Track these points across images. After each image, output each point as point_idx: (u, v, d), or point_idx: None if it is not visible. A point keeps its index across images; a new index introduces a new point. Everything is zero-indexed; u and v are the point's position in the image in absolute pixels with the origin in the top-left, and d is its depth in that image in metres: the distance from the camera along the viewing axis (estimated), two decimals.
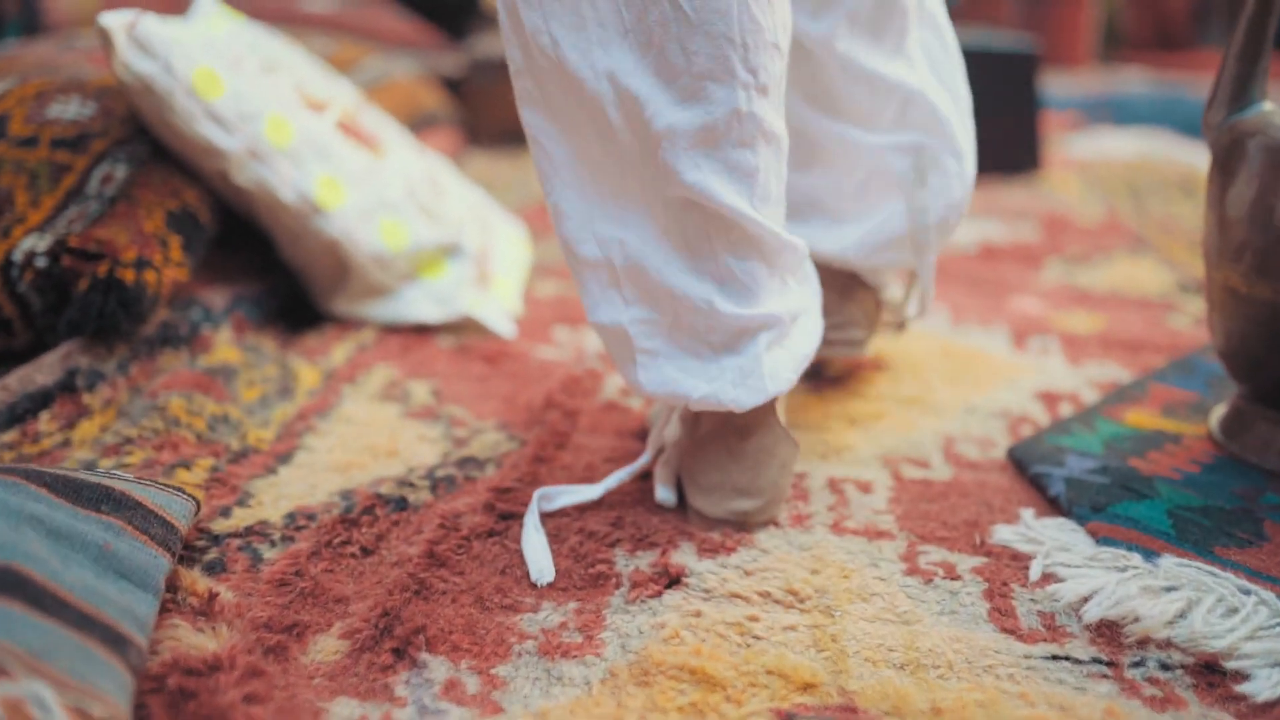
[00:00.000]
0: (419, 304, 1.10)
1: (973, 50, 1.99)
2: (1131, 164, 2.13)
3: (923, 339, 1.11)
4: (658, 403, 0.80)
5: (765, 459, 0.71)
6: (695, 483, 0.73)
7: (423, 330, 1.10)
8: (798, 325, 0.73)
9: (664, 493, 0.75)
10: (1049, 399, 0.96)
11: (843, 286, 0.91)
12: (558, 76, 0.64)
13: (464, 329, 1.10)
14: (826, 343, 0.89)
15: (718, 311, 0.67)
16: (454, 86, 2.21)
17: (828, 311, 0.88)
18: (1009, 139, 1.98)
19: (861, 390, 0.97)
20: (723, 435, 0.71)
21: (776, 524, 0.73)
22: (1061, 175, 2.01)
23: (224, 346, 0.99)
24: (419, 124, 1.92)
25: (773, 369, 0.68)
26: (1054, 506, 0.76)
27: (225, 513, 0.73)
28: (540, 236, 1.52)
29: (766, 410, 0.71)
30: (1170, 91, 3.12)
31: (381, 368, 1.00)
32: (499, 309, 1.14)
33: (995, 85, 1.94)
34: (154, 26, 0.99)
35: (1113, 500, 0.75)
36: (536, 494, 0.72)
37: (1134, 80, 3.47)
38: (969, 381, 1.00)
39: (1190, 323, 1.18)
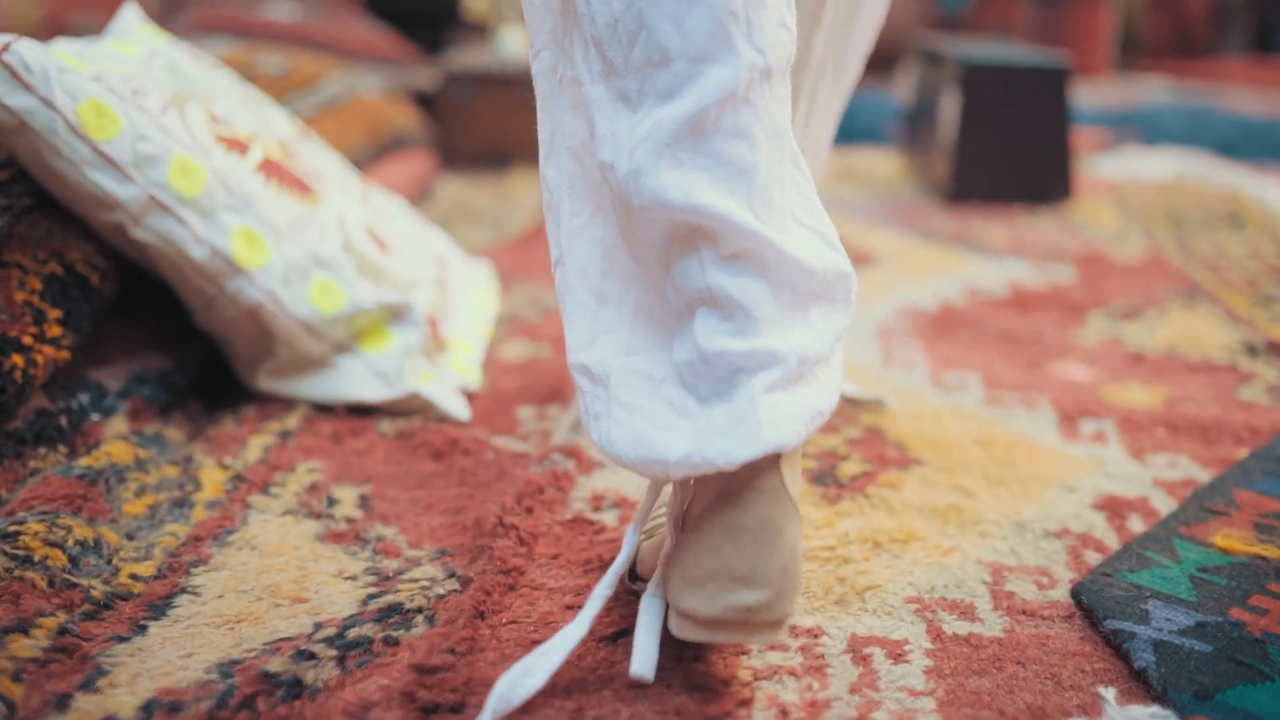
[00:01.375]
0: (358, 380, 0.93)
1: (996, 65, 1.82)
2: (1167, 188, 1.95)
3: (955, 419, 0.94)
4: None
5: (770, 537, 0.54)
6: (683, 577, 0.55)
7: (361, 411, 0.93)
8: (812, 373, 0.57)
9: (641, 664, 0.57)
10: (1113, 508, 0.79)
11: None
12: None
13: (410, 408, 0.93)
14: None
15: (703, 350, 0.54)
16: (427, 102, 2.04)
17: None
18: (1037, 165, 1.81)
19: (885, 497, 0.80)
20: (717, 511, 0.54)
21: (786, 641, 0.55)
22: (1093, 204, 1.83)
23: (114, 441, 0.82)
24: (387, 146, 1.75)
25: (772, 416, 0.53)
26: (1141, 681, 0.59)
27: (62, 704, 0.55)
28: (514, 279, 1.35)
29: (768, 472, 0.54)
30: (1195, 101, 2.94)
31: (304, 467, 0.82)
32: (453, 383, 0.96)
33: (1022, 105, 1.77)
34: (31, 51, 0.82)
35: (1220, 683, 0.58)
36: (492, 699, 0.54)
37: (1156, 90, 3.30)
38: (1015, 483, 0.83)
39: (1265, 393, 1.01)
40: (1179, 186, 1.97)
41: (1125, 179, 2.04)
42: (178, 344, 0.96)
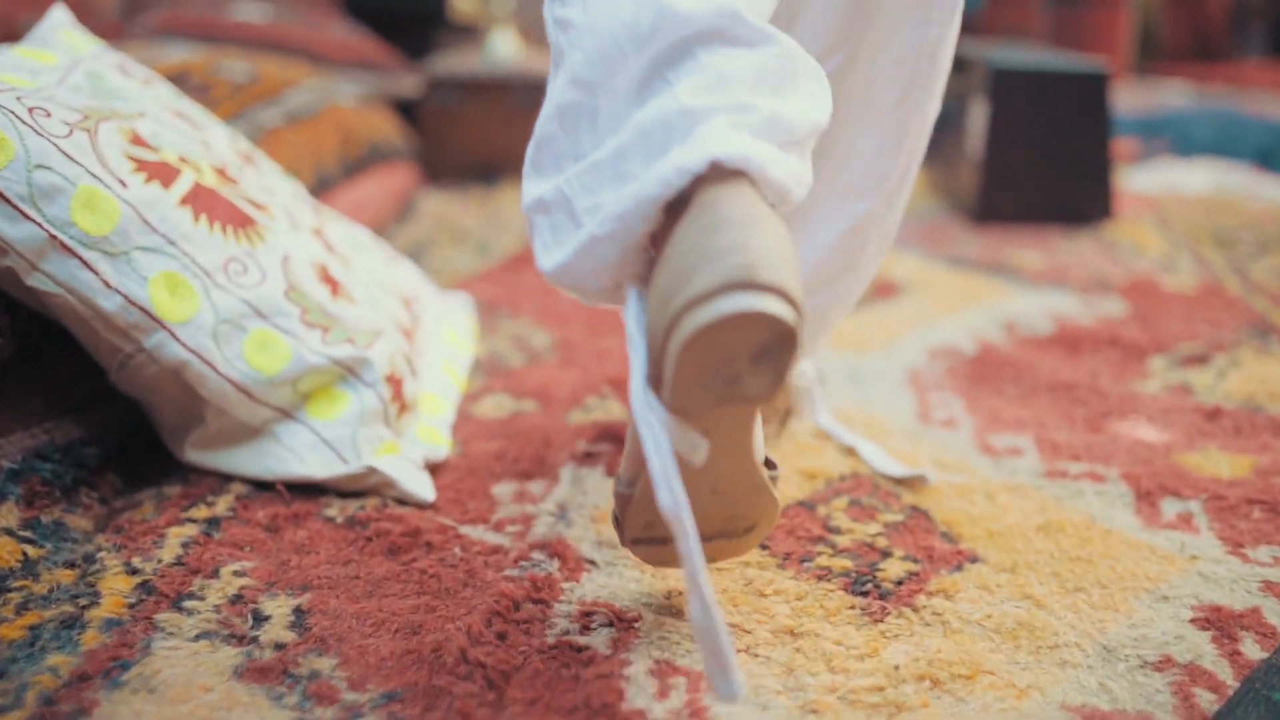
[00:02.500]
0: (303, 453, 0.78)
1: (1028, 70, 1.66)
2: (1208, 203, 1.81)
3: (1012, 498, 0.79)
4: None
5: (756, 225, 0.49)
6: (658, 289, 0.50)
7: (306, 489, 0.78)
8: (787, 143, 0.54)
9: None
10: (1220, 625, 0.64)
11: None
12: None
13: (364, 486, 0.78)
14: None
15: (684, 105, 0.52)
16: (409, 111, 1.90)
17: None
18: (1074, 181, 1.66)
19: (939, 611, 0.65)
20: (690, 219, 0.50)
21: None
22: (1135, 225, 1.68)
23: None
24: (364, 159, 1.61)
25: (743, 134, 0.52)
26: None
27: None
28: (497, 312, 1.20)
29: (740, 183, 0.51)
30: (1221, 106, 2.80)
31: (230, 569, 0.68)
32: (418, 454, 0.82)
33: (1057, 114, 1.63)
34: None
35: None
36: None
37: (1179, 95, 3.16)
38: (1094, 587, 0.68)
39: None
40: (1221, 202, 1.82)
41: (1163, 194, 1.90)
42: (93, 405, 0.81)
